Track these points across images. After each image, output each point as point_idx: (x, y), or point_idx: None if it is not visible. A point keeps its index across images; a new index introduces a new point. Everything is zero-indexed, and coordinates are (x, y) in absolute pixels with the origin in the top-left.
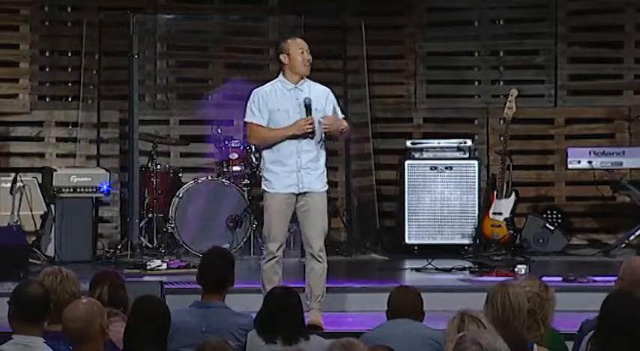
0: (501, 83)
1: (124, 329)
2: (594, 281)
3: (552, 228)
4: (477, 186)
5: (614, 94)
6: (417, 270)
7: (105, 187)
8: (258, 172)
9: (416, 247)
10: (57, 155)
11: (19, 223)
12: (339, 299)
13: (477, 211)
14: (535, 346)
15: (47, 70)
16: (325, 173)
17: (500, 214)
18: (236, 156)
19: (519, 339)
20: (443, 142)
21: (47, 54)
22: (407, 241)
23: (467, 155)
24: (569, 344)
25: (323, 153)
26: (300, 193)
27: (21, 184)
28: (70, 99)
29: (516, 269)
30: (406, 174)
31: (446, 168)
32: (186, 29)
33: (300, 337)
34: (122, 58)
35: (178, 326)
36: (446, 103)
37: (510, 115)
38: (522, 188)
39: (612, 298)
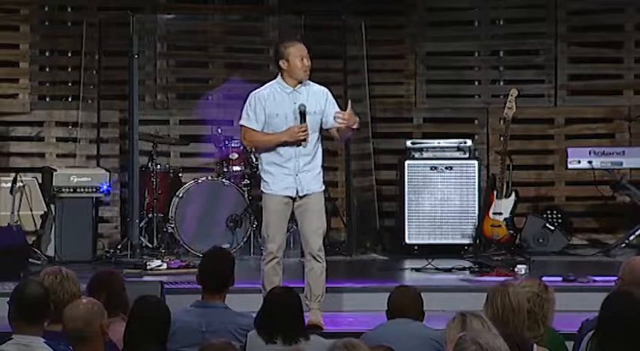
0: (501, 83)
1: (124, 329)
2: (594, 281)
3: (552, 228)
4: (476, 186)
5: (614, 94)
6: (417, 270)
7: (105, 187)
8: (258, 172)
9: (416, 247)
10: (57, 155)
11: (19, 223)
12: (340, 299)
13: (476, 211)
14: (535, 346)
15: (47, 70)
16: (322, 173)
17: (500, 214)
18: (236, 156)
19: (519, 339)
20: (443, 142)
21: (47, 54)
22: (407, 241)
23: (467, 155)
24: (569, 344)
25: (319, 154)
26: (297, 196)
27: (21, 184)
28: (70, 99)
29: (516, 269)
30: (406, 174)
31: (446, 168)
32: (186, 29)
33: (300, 337)
34: (122, 58)
35: (178, 326)
36: (446, 103)
37: (510, 115)
38: (522, 188)
39: (612, 298)
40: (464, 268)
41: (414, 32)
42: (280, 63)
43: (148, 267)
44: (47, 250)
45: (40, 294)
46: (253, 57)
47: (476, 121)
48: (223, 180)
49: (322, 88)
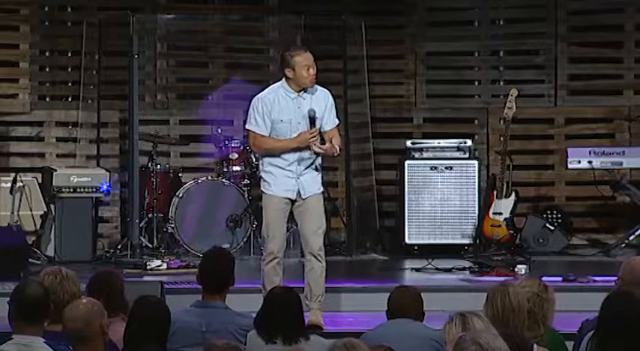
0: (501, 83)
1: (123, 329)
2: (594, 281)
3: (552, 228)
4: (476, 186)
5: (614, 94)
6: (417, 270)
7: (105, 187)
8: (258, 172)
9: (416, 247)
10: (57, 155)
11: (19, 223)
12: (340, 299)
13: (476, 211)
14: (535, 346)
15: (47, 69)
16: (321, 175)
17: (500, 214)
18: (236, 156)
19: (519, 339)
20: (443, 142)
21: (47, 54)
22: (407, 241)
23: (467, 155)
24: (569, 344)
25: (319, 159)
26: (297, 199)
27: (21, 184)
28: (70, 99)
29: (516, 269)
30: (406, 174)
31: (446, 168)
32: (186, 29)
33: (300, 337)
34: (122, 58)
35: (178, 326)
36: (446, 103)
37: (510, 115)
38: (522, 188)
39: (612, 298)
40: (464, 268)
41: (414, 32)
42: (286, 71)
43: (148, 267)
44: (47, 250)
45: (40, 294)
46: (253, 57)
47: (476, 121)
48: (223, 180)
49: (325, 92)
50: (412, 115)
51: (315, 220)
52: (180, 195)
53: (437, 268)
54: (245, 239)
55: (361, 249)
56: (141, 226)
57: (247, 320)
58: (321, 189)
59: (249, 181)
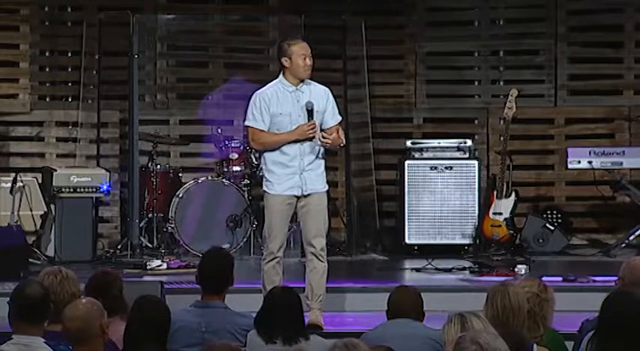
0: (501, 83)
1: (123, 329)
2: (594, 281)
3: (552, 228)
4: (476, 186)
5: (614, 94)
6: (417, 270)
7: (105, 187)
8: (258, 172)
9: (416, 247)
10: (57, 155)
11: (19, 223)
12: (340, 299)
13: (476, 211)
14: (535, 346)
15: (47, 70)
16: (325, 173)
17: (500, 214)
18: (236, 156)
19: (519, 339)
20: (443, 142)
21: (47, 54)
22: (407, 241)
23: (467, 155)
24: (569, 344)
25: (322, 152)
26: (302, 195)
27: (21, 184)
28: (70, 99)
29: (516, 269)
30: (406, 174)
31: (446, 168)
32: (186, 29)
33: (300, 337)
34: (122, 58)
35: (179, 326)
36: (446, 103)
37: (510, 115)
38: (522, 188)
39: (612, 298)
40: (464, 268)
41: (414, 32)
42: (283, 60)
43: (148, 267)
44: (47, 250)
45: (40, 294)
46: (253, 57)
47: (476, 121)
48: (223, 180)
49: (324, 87)
50: (412, 115)
51: (319, 220)
52: (181, 195)
53: (437, 268)
54: (245, 239)
55: (361, 249)
56: (141, 226)
57: (247, 320)
58: (326, 187)
59: (249, 181)
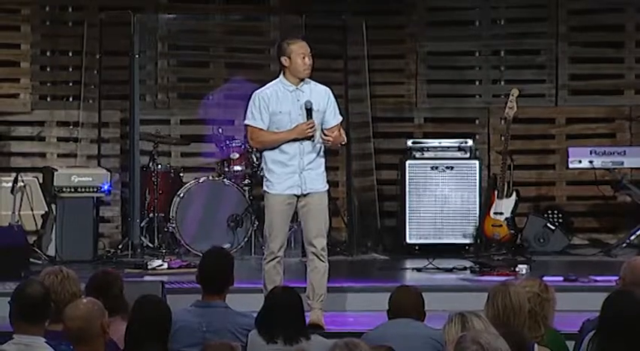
0: (502, 83)
1: (124, 328)
2: (595, 281)
3: (553, 228)
4: (477, 186)
5: (615, 94)
6: (418, 270)
7: (106, 186)
8: (259, 171)
9: (417, 247)
10: (58, 155)
11: (20, 223)
12: (340, 299)
13: (477, 211)
14: (536, 346)
15: (48, 69)
16: (325, 172)
17: (501, 213)
18: (237, 156)
19: (520, 339)
20: (444, 142)
21: (48, 54)
22: (408, 240)
23: (468, 155)
24: (570, 344)
25: (323, 152)
26: (302, 195)
27: (22, 184)
28: (71, 99)
29: (517, 269)
30: (407, 174)
31: (447, 168)
32: (187, 29)
33: (301, 336)
34: (123, 58)
35: (179, 326)
36: (447, 102)
37: (511, 114)
38: (523, 188)
39: (613, 298)
40: (465, 268)
41: (415, 32)
42: (282, 60)
43: (149, 267)
44: (48, 250)
45: (40, 294)
46: (254, 57)
47: (477, 121)
48: (224, 180)
49: (325, 87)
50: (413, 114)
51: (320, 220)
52: (181, 195)
53: (438, 268)
54: (246, 239)
55: (362, 249)
56: (142, 225)
57: (248, 320)
58: (326, 187)
59: (250, 181)
